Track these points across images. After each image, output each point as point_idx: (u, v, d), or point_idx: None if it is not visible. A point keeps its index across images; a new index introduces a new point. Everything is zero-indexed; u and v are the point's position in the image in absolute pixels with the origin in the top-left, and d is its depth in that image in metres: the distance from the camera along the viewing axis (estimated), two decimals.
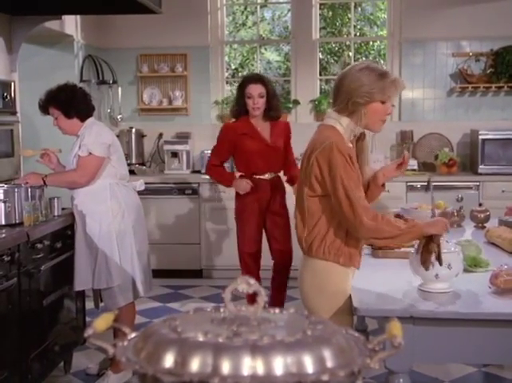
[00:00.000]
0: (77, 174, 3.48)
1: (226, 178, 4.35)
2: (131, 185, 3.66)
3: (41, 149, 3.80)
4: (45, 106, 3.54)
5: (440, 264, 2.28)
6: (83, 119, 3.54)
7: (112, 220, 3.49)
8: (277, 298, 4.29)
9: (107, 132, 3.59)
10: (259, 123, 4.20)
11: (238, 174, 4.36)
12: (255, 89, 4.10)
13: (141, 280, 3.61)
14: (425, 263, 2.30)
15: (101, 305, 3.72)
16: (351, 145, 2.44)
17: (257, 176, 4.20)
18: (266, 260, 4.37)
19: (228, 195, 5.53)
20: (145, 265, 3.67)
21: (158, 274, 5.56)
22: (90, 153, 3.44)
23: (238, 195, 4.30)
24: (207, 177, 5.62)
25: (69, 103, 3.49)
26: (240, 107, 4.18)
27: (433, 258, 2.29)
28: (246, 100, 4.12)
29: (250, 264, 4.26)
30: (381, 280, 2.49)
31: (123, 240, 3.52)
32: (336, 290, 2.39)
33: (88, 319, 3.96)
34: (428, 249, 2.30)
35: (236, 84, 6.70)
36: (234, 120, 4.32)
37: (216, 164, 4.32)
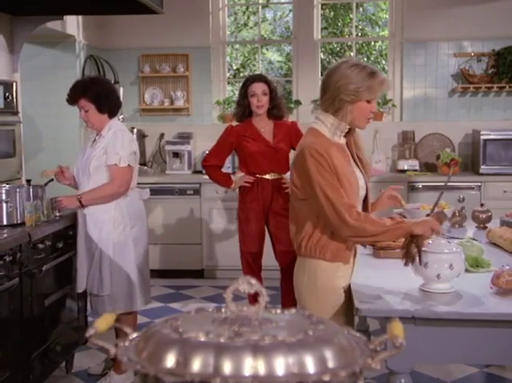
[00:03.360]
0: (116, 185, 3.41)
1: (224, 180, 4.35)
2: (137, 192, 3.61)
3: (57, 168, 3.64)
4: (75, 97, 3.44)
5: (420, 263, 2.30)
6: (111, 116, 3.49)
7: (113, 230, 3.45)
8: (288, 301, 4.25)
9: (133, 138, 3.56)
10: (262, 123, 4.18)
11: (240, 174, 4.36)
12: (258, 87, 4.10)
13: (139, 293, 3.54)
14: (405, 261, 2.34)
15: (90, 310, 3.70)
16: (342, 141, 2.44)
17: (259, 176, 4.19)
18: (269, 261, 4.36)
19: (229, 195, 5.53)
20: (145, 277, 3.61)
21: (159, 274, 5.58)
22: (129, 165, 3.42)
23: (240, 194, 4.30)
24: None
25: (105, 97, 3.42)
26: (244, 108, 4.16)
27: (412, 257, 2.31)
28: (249, 99, 4.11)
29: (250, 264, 4.26)
30: (383, 280, 2.49)
31: (121, 251, 3.46)
32: (325, 286, 2.40)
33: (89, 319, 3.96)
34: (409, 249, 2.32)
35: (238, 85, 6.69)
36: (237, 123, 4.30)
37: (212, 165, 4.31)
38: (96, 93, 3.41)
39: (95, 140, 3.53)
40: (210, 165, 4.33)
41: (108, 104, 3.44)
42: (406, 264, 2.34)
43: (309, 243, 2.41)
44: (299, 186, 2.38)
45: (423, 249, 2.32)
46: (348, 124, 2.40)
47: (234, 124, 4.34)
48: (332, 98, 2.35)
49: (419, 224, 2.32)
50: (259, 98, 4.09)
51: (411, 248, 2.31)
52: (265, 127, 4.19)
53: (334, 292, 2.41)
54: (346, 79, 2.32)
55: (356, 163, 2.49)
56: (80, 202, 3.42)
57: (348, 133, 2.45)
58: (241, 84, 4.32)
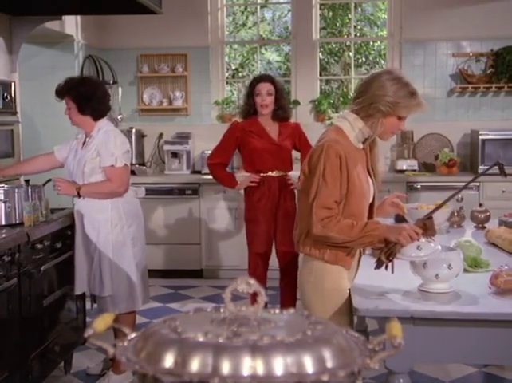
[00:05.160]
0: (115, 185, 3.41)
1: (229, 180, 4.33)
2: (132, 191, 3.60)
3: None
4: (61, 93, 3.46)
5: (392, 272, 2.29)
6: (96, 118, 3.47)
7: (111, 230, 3.44)
8: (288, 301, 4.23)
9: (124, 138, 3.56)
10: (267, 123, 4.20)
11: (240, 174, 4.36)
12: (264, 87, 4.13)
13: (139, 291, 3.54)
14: (376, 265, 2.33)
15: (94, 306, 3.70)
16: (361, 146, 2.44)
17: (264, 174, 4.19)
18: (271, 260, 4.34)
19: (228, 195, 5.54)
20: (144, 276, 3.60)
21: (158, 274, 5.58)
22: (125, 164, 3.42)
23: (246, 194, 4.28)
24: (208, 177, 5.62)
25: (87, 100, 3.41)
26: (249, 106, 4.19)
27: (384, 264, 2.30)
28: (254, 98, 4.14)
29: (258, 264, 4.21)
30: (381, 280, 2.48)
31: (119, 251, 3.46)
32: (331, 287, 2.40)
33: (88, 319, 3.96)
34: (380, 256, 2.29)
35: (237, 85, 6.68)
36: (241, 120, 4.32)
37: (217, 163, 4.29)
38: (79, 94, 3.40)
39: (85, 141, 3.52)
40: (215, 163, 4.30)
41: (90, 106, 3.42)
42: (375, 268, 2.33)
43: (306, 241, 2.41)
44: (307, 176, 2.39)
45: (399, 256, 2.29)
46: (376, 135, 2.41)
47: (239, 120, 4.36)
48: (367, 103, 2.35)
49: (392, 231, 2.27)
50: (263, 97, 4.12)
51: (381, 256, 2.28)
52: (270, 126, 4.21)
53: (339, 293, 2.41)
54: (384, 90, 2.33)
55: (368, 171, 2.50)
56: (78, 192, 3.42)
57: (367, 140, 2.46)
58: (248, 83, 4.34)
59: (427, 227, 2.30)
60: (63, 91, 3.46)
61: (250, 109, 4.20)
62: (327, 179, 2.30)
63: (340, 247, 2.38)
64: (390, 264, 2.29)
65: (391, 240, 2.26)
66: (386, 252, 2.27)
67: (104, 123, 3.50)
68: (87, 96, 3.41)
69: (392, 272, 2.29)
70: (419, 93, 2.38)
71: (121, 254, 3.47)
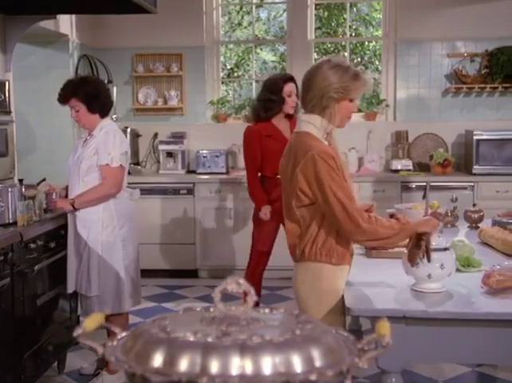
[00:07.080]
0: (107, 186, 3.40)
1: (261, 201, 4.24)
2: (126, 193, 3.58)
3: (45, 185, 3.57)
4: (67, 96, 3.41)
5: (428, 261, 2.29)
6: (103, 115, 3.47)
7: (101, 231, 3.43)
8: None
9: (124, 138, 3.54)
10: (281, 122, 4.22)
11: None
12: (294, 88, 4.16)
13: (129, 294, 3.53)
14: (412, 260, 2.33)
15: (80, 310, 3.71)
16: (327, 143, 2.43)
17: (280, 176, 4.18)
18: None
19: (223, 194, 5.54)
20: (134, 278, 3.59)
21: (153, 273, 5.58)
22: (121, 165, 3.42)
23: None
24: (202, 177, 5.64)
25: (96, 97, 3.39)
26: (276, 105, 4.14)
27: (421, 255, 2.31)
28: (284, 97, 4.12)
29: (260, 263, 4.25)
30: (374, 280, 2.49)
31: (109, 252, 3.44)
32: (328, 288, 2.40)
33: (81, 319, 3.96)
34: (418, 246, 2.32)
35: (232, 84, 6.67)
36: (253, 123, 4.29)
37: (256, 176, 4.25)
38: (87, 93, 3.39)
39: (86, 139, 3.51)
40: (254, 178, 4.26)
41: (99, 104, 3.42)
42: (413, 264, 2.32)
43: (313, 247, 2.39)
44: (307, 191, 2.33)
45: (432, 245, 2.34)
46: (335, 125, 2.40)
47: (250, 124, 4.33)
48: (318, 97, 2.35)
49: (424, 223, 2.36)
50: (294, 99, 4.14)
51: (420, 245, 2.31)
52: (282, 125, 4.22)
53: (335, 293, 2.41)
54: (329, 80, 2.33)
55: None
56: (73, 206, 3.41)
57: (328, 135, 2.45)
58: (269, 81, 4.27)
59: (438, 218, 2.62)
60: (68, 94, 3.41)
61: (275, 108, 4.14)
62: (336, 179, 2.28)
63: (346, 246, 2.40)
64: (426, 253, 2.32)
65: (424, 231, 2.31)
66: (423, 243, 2.32)
67: (107, 122, 3.51)
68: (95, 94, 3.40)
69: (429, 260, 2.29)
70: (361, 72, 2.40)
71: (110, 255, 3.45)
